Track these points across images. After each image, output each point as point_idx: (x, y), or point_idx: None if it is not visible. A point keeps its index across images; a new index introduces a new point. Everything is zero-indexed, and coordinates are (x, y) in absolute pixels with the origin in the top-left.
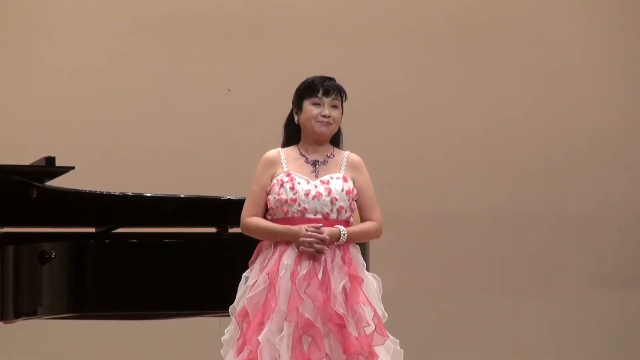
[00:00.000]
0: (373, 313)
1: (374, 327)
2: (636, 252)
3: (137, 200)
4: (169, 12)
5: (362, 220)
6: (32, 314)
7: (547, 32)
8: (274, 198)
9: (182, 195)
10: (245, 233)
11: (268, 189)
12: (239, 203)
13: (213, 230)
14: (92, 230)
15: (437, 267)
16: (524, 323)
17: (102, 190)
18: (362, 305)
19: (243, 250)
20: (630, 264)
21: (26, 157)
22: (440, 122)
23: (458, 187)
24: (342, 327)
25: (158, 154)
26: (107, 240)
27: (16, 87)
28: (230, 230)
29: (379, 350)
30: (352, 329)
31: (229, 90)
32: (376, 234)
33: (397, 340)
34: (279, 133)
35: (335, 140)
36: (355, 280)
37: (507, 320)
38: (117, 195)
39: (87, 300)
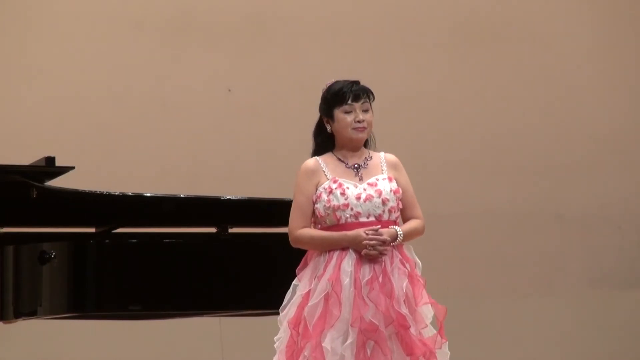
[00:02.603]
0: (432, 314)
1: (437, 329)
2: (636, 252)
3: (137, 200)
4: (169, 12)
5: (405, 219)
6: (32, 314)
7: (548, 33)
8: (324, 206)
9: (182, 195)
10: (296, 246)
11: (314, 198)
12: (239, 203)
13: (213, 230)
14: (92, 230)
15: (436, 267)
16: (524, 323)
17: (102, 190)
18: (425, 306)
19: (243, 250)
20: (630, 264)
21: (26, 157)
22: (440, 122)
23: (457, 187)
24: (407, 329)
25: (158, 154)
26: (107, 240)
27: (16, 87)
28: (230, 230)
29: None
30: (414, 330)
31: (229, 90)
32: (422, 231)
33: (446, 342)
34: (279, 133)
35: (365, 142)
36: (416, 280)
37: (507, 320)
38: (117, 195)
39: (87, 300)
